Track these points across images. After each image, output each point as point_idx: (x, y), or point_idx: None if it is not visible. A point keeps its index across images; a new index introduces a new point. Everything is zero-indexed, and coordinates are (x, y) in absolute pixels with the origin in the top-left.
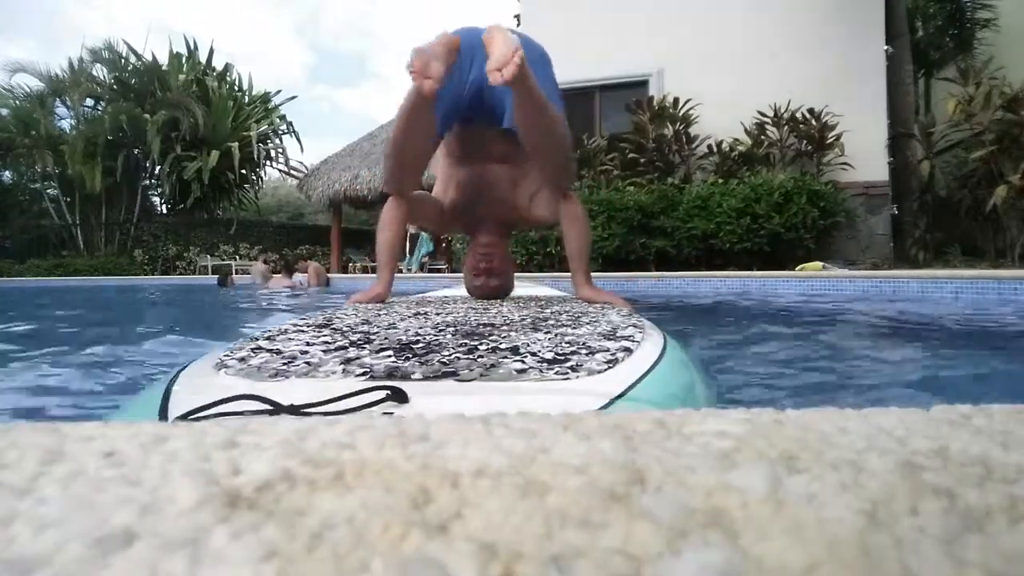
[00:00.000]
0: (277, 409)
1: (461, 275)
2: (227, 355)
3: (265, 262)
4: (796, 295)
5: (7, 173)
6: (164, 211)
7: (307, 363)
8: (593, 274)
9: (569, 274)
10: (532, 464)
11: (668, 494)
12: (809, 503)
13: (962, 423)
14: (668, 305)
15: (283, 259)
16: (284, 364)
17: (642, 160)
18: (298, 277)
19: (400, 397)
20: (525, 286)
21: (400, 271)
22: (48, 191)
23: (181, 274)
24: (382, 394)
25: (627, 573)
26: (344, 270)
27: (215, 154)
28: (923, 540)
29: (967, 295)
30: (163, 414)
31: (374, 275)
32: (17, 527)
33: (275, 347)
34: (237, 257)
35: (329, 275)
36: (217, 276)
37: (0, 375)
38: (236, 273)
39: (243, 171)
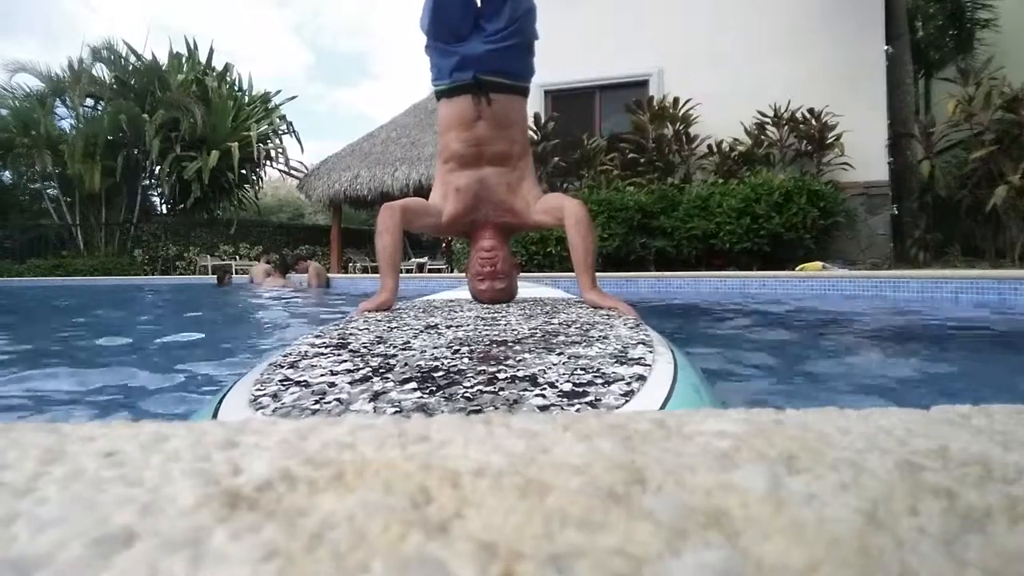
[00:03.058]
0: None
1: (462, 275)
2: (259, 390)
3: (268, 263)
4: (796, 295)
5: (7, 173)
6: (164, 211)
7: (338, 400)
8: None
9: (570, 274)
10: (532, 464)
11: (668, 494)
12: (809, 503)
13: (962, 423)
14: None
15: (281, 258)
16: (315, 401)
17: (642, 160)
18: (292, 277)
19: None
20: (527, 286)
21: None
22: (48, 191)
23: (181, 274)
24: None
25: (627, 573)
26: (344, 270)
27: (215, 154)
28: (923, 540)
29: (967, 295)
30: None
31: (374, 275)
32: (17, 527)
33: (302, 378)
34: (237, 257)
35: (329, 275)
36: (216, 276)
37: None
38: (236, 273)
39: (243, 171)
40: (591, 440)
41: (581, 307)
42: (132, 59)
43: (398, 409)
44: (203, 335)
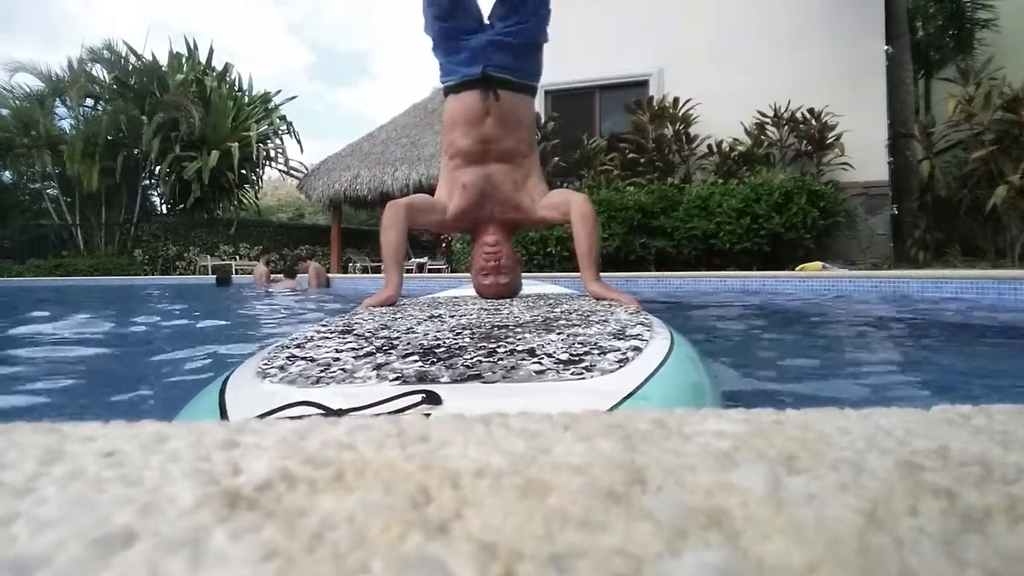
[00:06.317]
0: (330, 412)
1: (462, 275)
2: (265, 364)
3: (267, 263)
4: (796, 295)
5: (7, 173)
6: (164, 211)
7: (342, 369)
8: None
9: (569, 274)
10: (532, 464)
11: (668, 494)
12: (809, 503)
13: (962, 423)
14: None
15: (283, 259)
16: (321, 371)
17: (642, 160)
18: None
19: (434, 400)
20: (530, 284)
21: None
22: (48, 191)
23: (181, 274)
24: (419, 397)
25: (627, 573)
26: (344, 270)
27: (215, 154)
28: (923, 540)
29: (967, 295)
30: None
31: (374, 275)
32: (17, 527)
33: (308, 355)
34: (237, 257)
35: (329, 275)
36: (216, 276)
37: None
38: (236, 273)
39: (243, 171)
40: (591, 440)
41: (584, 299)
42: (132, 59)
43: (400, 375)
44: (205, 336)
